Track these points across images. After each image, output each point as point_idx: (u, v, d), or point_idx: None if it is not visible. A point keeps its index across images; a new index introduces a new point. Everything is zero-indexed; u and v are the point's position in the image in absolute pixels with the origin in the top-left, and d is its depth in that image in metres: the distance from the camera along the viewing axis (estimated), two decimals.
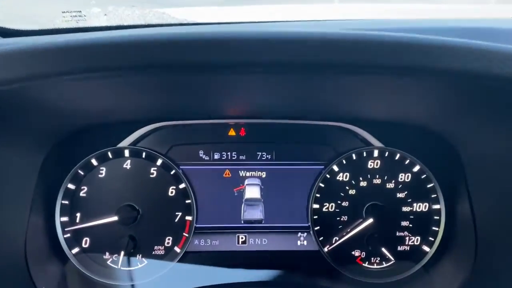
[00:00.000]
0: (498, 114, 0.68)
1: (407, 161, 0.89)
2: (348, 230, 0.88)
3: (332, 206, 0.89)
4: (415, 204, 0.89)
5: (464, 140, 0.81)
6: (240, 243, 0.90)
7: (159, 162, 0.87)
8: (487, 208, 0.79)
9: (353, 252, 0.89)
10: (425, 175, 0.89)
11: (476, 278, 0.77)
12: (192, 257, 0.88)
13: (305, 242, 0.90)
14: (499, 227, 0.75)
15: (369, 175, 0.89)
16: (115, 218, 0.85)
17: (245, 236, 0.90)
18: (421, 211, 0.89)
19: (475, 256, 0.79)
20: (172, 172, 0.88)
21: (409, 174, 0.89)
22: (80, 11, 0.90)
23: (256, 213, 0.90)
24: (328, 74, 0.60)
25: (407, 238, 0.89)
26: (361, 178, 0.89)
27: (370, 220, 0.87)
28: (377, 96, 0.74)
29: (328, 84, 0.67)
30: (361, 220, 0.87)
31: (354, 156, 0.89)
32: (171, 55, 0.54)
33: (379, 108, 0.82)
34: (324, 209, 0.89)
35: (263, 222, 0.90)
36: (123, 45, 0.55)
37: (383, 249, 0.88)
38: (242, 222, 0.89)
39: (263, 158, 0.90)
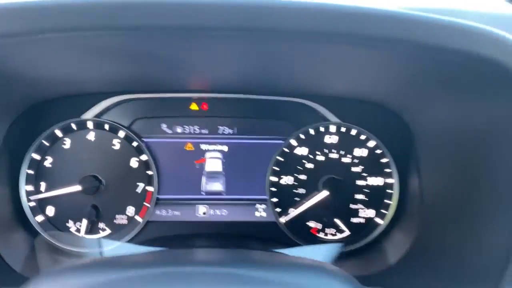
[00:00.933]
0: (447, 89, 0.70)
1: (363, 137, 0.92)
2: (304, 202, 0.91)
3: (289, 179, 0.92)
4: (369, 178, 0.92)
5: (415, 115, 0.84)
6: (200, 214, 0.93)
7: (122, 134, 0.90)
8: (434, 182, 0.82)
9: (308, 223, 0.92)
10: (380, 150, 0.92)
11: (420, 248, 0.81)
12: (154, 226, 0.91)
13: (263, 214, 0.93)
14: (442, 201, 0.79)
15: (326, 150, 0.92)
16: (79, 187, 0.88)
17: (206, 207, 0.93)
18: (376, 185, 0.92)
19: (419, 228, 0.82)
20: (134, 144, 0.90)
21: (365, 149, 0.92)
22: None
23: (216, 185, 0.93)
24: (282, 42, 0.62)
25: (361, 210, 0.92)
26: (318, 152, 0.92)
27: (326, 193, 0.90)
28: (333, 72, 0.76)
29: (285, 57, 0.69)
30: (317, 192, 0.91)
31: (311, 131, 0.92)
32: (127, 17, 0.55)
33: (335, 84, 0.85)
34: (281, 182, 0.92)
35: (223, 194, 0.93)
36: (78, 5, 0.55)
37: (338, 221, 0.92)
38: (203, 194, 0.93)
39: (224, 132, 0.93)
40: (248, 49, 0.68)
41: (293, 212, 0.91)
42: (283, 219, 0.92)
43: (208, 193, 0.93)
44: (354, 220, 0.92)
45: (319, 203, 0.91)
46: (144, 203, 0.90)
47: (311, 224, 0.92)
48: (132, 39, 0.62)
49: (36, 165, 0.89)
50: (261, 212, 0.93)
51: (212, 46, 0.65)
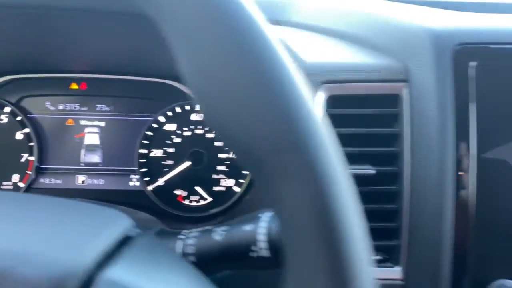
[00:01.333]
0: None
1: None
2: (171, 172, 1.01)
3: (159, 151, 1.03)
4: (230, 152, 1.02)
5: None
6: (80, 182, 1.04)
7: (8, 110, 1.01)
8: None
9: (175, 192, 1.03)
10: None
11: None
12: (36, 193, 1.03)
13: (136, 183, 1.04)
14: None
15: (192, 126, 1.02)
16: None
17: (85, 177, 1.04)
18: (235, 157, 1.02)
19: None
20: (19, 119, 1.02)
21: None
22: None
23: (94, 157, 1.04)
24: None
25: (222, 180, 1.02)
26: (185, 128, 1.02)
27: (188, 163, 1.00)
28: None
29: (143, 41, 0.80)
30: (183, 164, 1.01)
31: (178, 109, 1.02)
32: None
33: None
34: (151, 154, 1.03)
35: (100, 165, 1.04)
36: None
37: (201, 189, 1.02)
38: (82, 165, 1.03)
39: (102, 110, 1.04)
40: (109, 31, 0.78)
41: (160, 181, 1.02)
42: (150, 187, 1.02)
43: (87, 164, 1.03)
44: (216, 188, 1.02)
45: (183, 173, 1.01)
46: (27, 171, 1.02)
47: (178, 192, 1.03)
48: (8, 21, 0.73)
49: None
50: (134, 182, 1.04)
51: (77, 27, 0.76)
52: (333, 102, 0.76)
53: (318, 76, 0.74)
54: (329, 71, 0.75)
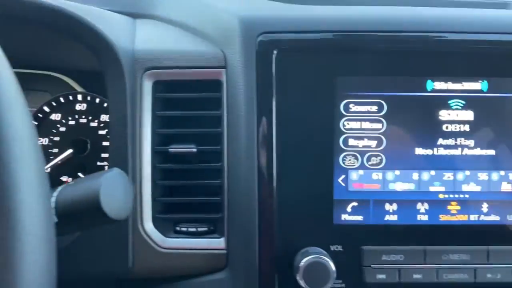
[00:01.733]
0: None
1: (106, 104, 1.09)
2: (56, 159, 1.09)
3: (45, 140, 1.11)
4: None
5: None
6: None
7: None
8: None
9: (61, 178, 1.10)
10: None
11: None
12: None
13: None
14: None
15: (76, 115, 1.10)
16: None
17: None
18: None
19: None
20: None
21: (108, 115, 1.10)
22: None
23: None
24: None
25: (106, 167, 1.10)
26: (69, 118, 1.10)
27: (70, 151, 1.08)
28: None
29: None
30: (66, 151, 1.09)
31: (62, 99, 1.10)
32: None
33: (72, 58, 1.03)
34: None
35: None
36: None
37: (82, 175, 1.10)
38: None
39: None
40: None
41: (47, 168, 1.10)
42: None
43: None
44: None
45: (69, 161, 1.09)
46: None
47: (64, 178, 1.10)
48: None
49: None
50: None
51: None
52: (167, 87, 0.83)
53: (144, 62, 0.81)
54: (154, 58, 0.82)
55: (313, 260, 0.75)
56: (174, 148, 0.81)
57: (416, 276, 0.80)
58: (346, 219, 0.80)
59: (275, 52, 0.77)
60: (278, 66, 0.77)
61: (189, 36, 0.88)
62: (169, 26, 0.94)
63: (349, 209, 0.80)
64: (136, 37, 0.87)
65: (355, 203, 0.81)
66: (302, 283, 0.74)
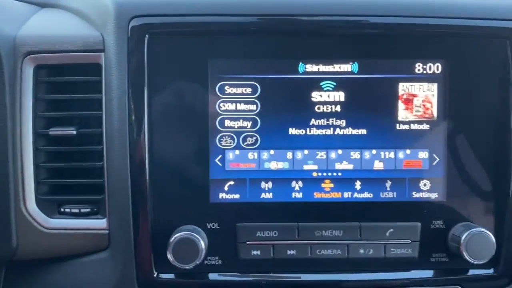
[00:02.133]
0: None
1: None
2: None
3: None
4: None
5: None
6: None
7: None
8: None
9: None
10: None
11: None
12: None
13: None
14: None
15: None
16: None
17: None
18: None
19: None
20: None
21: None
22: None
23: None
24: None
25: None
26: None
27: None
28: None
29: None
30: None
31: None
32: None
33: None
34: None
35: None
36: None
37: None
38: None
39: None
40: None
41: None
42: None
43: None
44: None
45: None
46: None
47: None
48: None
49: None
50: None
51: None
52: (52, 71, 0.85)
53: (24, 47, 0.82)
54: (35, 43, 0.83)
55: (182, 237, 0.77)
56: (54, 131, 0.83)
57: (290, 252, 0.83)
58: (223, 197, 0.83)
59: (147, 36, 0.79)
60: (151, 49, 0.79)
61: (78, 22, 0.89)
62: (67, 13, 0.96)
63: (226, 188, 0.83)
64: (26, 24, 0.88)
65: (232, 182, 0.83)
66: (170, 258, 0.77)
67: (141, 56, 0.79)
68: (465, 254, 0.79)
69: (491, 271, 0.85)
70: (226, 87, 0.82)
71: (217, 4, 0.80)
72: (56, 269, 0.87)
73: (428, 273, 0.85)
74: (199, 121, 0.81)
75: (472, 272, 0.86)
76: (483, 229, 0.80)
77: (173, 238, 0.77)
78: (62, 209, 0.85)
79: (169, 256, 0.77)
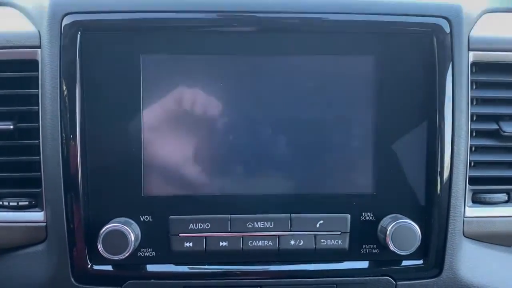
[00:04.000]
0: None
1: None
2: None
3: None
4: None
5: None
6: None
7: None
8: None
9: None
10: None
11: None
12: None
13: None
14: None
15: None
16: None
17: None
18: None
19: None
20: None
21: None
22: None
23: None
24: None
25: None
26: None
27: None
28: None
29: None
30: None
31: None
32: None
33: None
34: None
35: None
36: None
37: None
38: None
39: None
40: None
41: None
42: None
43: None
44: None
45: None
46: None
47: None
48: None
49: None
50: None
51: None
52: None
53: None
54: None
55: (111, 229, 0.79)
56: None
57: (223, 244, 0.84)
58: (156, 191, 0.85)
59: (79, 33, 0.81)
60: (84, 45, 0.81)
61: (20, 19, 0.91)
62: (11, 9, 0.97)
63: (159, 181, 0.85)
64: None
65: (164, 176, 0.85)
66: (100, 249, 0.79)
67: (74, 52, 0.81)
68: (391, 244, 0.81)
69: (420, 262, 0.87)
70: None
71: (147, 1, 0.82)
72: None
73: (359, 264, 0.87)
74: (132, 116, 0.83)
75: (402, 263, 0.88)
76: (408, 221, 0.82)
77: (103, 230, 0.79)
78: (0, 203, 0.87)
79: (99, 247, 0.79)
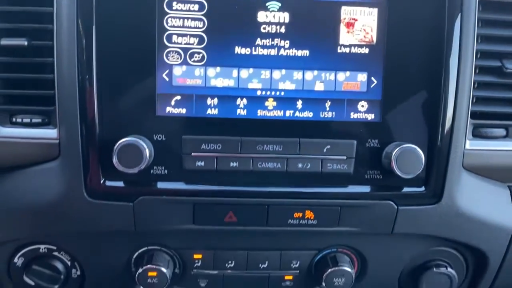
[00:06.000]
0: None
1: None
2: None
3: None
4: None
5: None
6: None
7: None
8: None
9: None
10: None
11: None
12: None
13: None
14: None
15: None
16: None
17: None
18: None
19: None
20: None
21: None
22: None
23: None
24: None
25: None
26: None
27: None
28: None
29: None
30: None
31: None
32: None
33: None
34: None
35: None
36: None
37: None
38: None
39: None
40: None
41: None
42: None
43: None
44: None
45: None
46: None
47: None
48: None
49: None
50: None
51: None
52: None
53: None
54: None
55: (127, 142, 0.81)
56: (5, 41, 0.85)
57: (233, 164, 0.87)
58: (170, 111, 0.86)
59: None
60: None
61: None
62: None
63: (172, 102, 0.86)
64: None
65: (178, 97, 0.86)
66: (115, 162, 0.81)
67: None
68: (395, 167, 0.85)
69: (421, 189, 0.91)
70: (173, 3, 0.84)
71: None
72: (6, 178, 0.90)
73: (363, 189, 0.90)
74: (147, 36, 0.84)
75: (404, 190, 0.91)
76: (413, 145, 0.85)
77: (118, 143, 0.81)
78: (14, 119, 0.88)
79: (114, 160, 0.81)
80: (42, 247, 0.96)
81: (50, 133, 0.88)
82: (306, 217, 0.91)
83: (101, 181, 0.86)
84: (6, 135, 0.87)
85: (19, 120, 0.88)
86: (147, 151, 0.82)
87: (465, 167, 0.94)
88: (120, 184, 0.87)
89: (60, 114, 0.86)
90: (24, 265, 0.96)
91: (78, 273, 0.99)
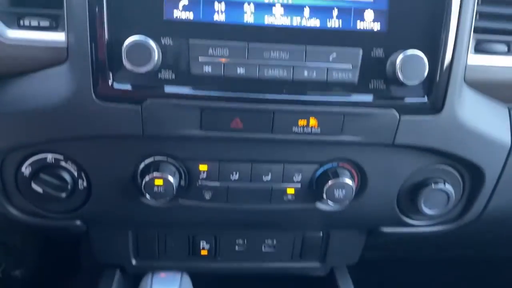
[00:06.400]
0: None
1: None
2: None
3: None
4: None
5: None
6: None
7: None
8: None
9: None
10: None
11: None
12: None
13: None
14: None
15: None
16: None
17: None
18: None
19: None
20: None
21: None
22: None
23: None
24: None
25: None
26: None
27: None
28: None
29: None
30: None
31: None
32: None
33: None
34: None
35: None
36: None
37: None
38: None
39: None
40: None
41: None
42: None
43: None
44: None
45: None
46: None
47: None
48: None
49: None
50: None
51: None
52: None
53: None
54: None
55: (136, 42, 0.82)
56: None
57: (240, 71, 0.88)
58: (178, 16, 0.87)
59: None
60: None
61: None
62: None
63: (180, 6, 0.87)
64: None
65: (185, 1, 0.87)
66: (124, 59, 0.82)
67: None
68: (399, 73, 0.86)
69: (423, 99, 0.93)
70: None
71: None
72: (14, 83, 0.91)
73: (366, 97, 0.92)
74: None
75: (407, 100, 0.93)
76: (417, 51, 0.86)
77: (128, 42, 0.82)
78: (21, 22, 0.88)
79: (123, 58, 0.82)
80: (49, 156, 0.97)
81: (58, 36, 0.88)
82: (310, 126, 0.93)
83: (110, 83, 0.87)
84: (14, 38, 0.87)
85: (26, 23, 0.88)
86: (156, 51, 0.82)
87: (467, 82, 0.96)
88: (129, 87, 0.88)
89: (68, 18, 0.86)
90: (32, 175, 0.98)
91: (85, 184, 1.00)
